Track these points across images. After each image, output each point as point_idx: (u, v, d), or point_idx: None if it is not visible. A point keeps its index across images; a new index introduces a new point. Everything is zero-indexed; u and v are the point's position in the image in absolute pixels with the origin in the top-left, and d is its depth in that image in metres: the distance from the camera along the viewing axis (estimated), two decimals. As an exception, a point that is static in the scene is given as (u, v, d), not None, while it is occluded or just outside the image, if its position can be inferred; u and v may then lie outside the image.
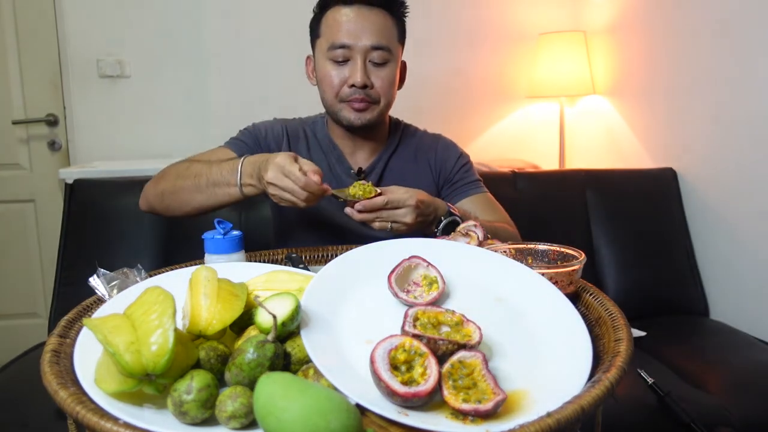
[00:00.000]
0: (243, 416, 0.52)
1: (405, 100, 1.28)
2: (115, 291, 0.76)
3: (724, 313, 1.85)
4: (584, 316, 0.70)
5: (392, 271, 0.71)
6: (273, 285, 0.72)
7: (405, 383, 0.53)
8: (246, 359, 0.55)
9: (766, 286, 1.71)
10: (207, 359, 0.58)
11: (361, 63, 1.14)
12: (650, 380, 1.31)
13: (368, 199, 0.99)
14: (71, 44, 2.27)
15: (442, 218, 1.07)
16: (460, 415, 0.52)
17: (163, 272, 0.84)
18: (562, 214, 1.93)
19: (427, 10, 2.42)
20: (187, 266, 0.86)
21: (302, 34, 1.29)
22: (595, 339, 0.69)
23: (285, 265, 0.90)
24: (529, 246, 0.86)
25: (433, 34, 2.42)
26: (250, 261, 0.93)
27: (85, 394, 0.55)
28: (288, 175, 0.95)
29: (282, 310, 0.59)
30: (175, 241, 1.68)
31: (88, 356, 0.60)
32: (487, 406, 0.52)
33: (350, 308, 0.69)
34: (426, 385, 0.53)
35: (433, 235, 1.05)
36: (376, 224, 1.02)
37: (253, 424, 0.52)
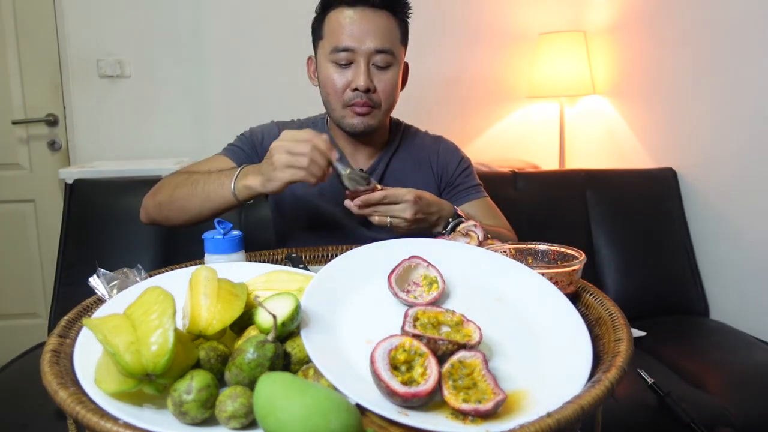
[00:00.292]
0: (243, 416, 0.52)
1: (405, 100, 1.28)
2: (115, 291, 0.76)
3: (724, 313, 1.85)
4: (584, 316, 0.70)
5: (392, 271, 0.71)
6: (273, 285, 0.72)
7: (405, 383, 0.53)
8: (246, 359, 0.55)
9: (766, 286, 1.71)
10: (207, 359, 0.58)
11: (365, 66, 1.13)
12: (650, 380, 1.31)
13: (366, 192, 0.99)
14: (71, 44, 2.27)
15: (450, 220, 1.08)
16: (460, 415, 0.52)
17: (163, 272, 0.84)
18: (562, 214, 1.93)
19: (427, 10, 2.41)
20: (187, 266, 0.86)
21: (303, 34, 1.30)
22: (595, 339, 0.69)
23: (285, 265, 0.90)
24: (529, 246, 0.85)
25: (433, 34, 2.42)
26: (250, 261, 0.93)
27: (85, 394, 0.55)
28: (294, 134, 0.97)
29: (282, 310, 0.59)
30: (175, 241, 1.68)
31: (88, 356, 0.60)
32: (487, 406, 0.52)
33: (350, 308, 0.69)
34: (426, 385, 0.53)
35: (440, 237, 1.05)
36: (375, 218, 1.02)
37: (253, 424, 0.52)
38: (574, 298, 0.77)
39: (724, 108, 1.81)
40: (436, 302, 0.70)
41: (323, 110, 1.26)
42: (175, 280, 0.71)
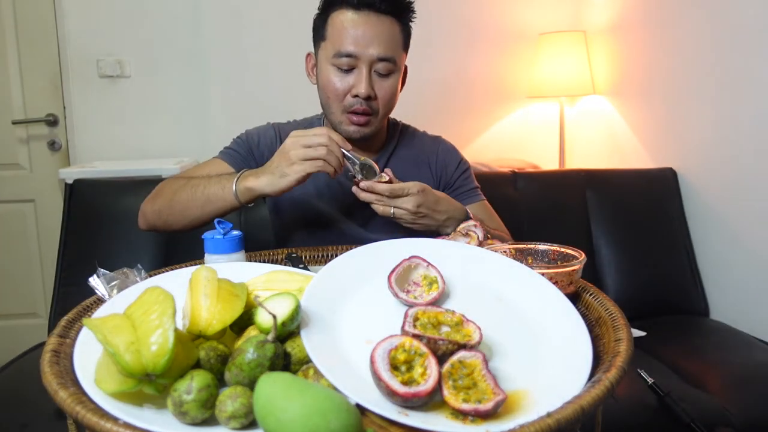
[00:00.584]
0: (243, 416, 0.52)
1: (405, 100, 1.28)
2: (115, 291, 0.76)
3: (724, 313, 1.85)
4: (584, 316, 0.70)
5: (392, 271, 0.71)
6: (273, 285, 0.72)
7: (405, 383, 0.53)
8: (246, 359, 0.55)
9: (766, 286, 1.71)
10: (207, 359, 0.58)
11: (366, 73, 1.12)
12: (650, 380, 1.31)
13: (373, 181, 1.01)
14: (71, 44, 2.27)
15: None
16: (460, 415, 0.52)
17: (163, 272, 0.84)
18: (562, 214, 1.93)
19: (427, 11, 2.39)
20: (187, 266, 0.86)
21: (302, 33, 1.29)
22: (595, 339, 0.69)
23: (285, 265, 0.90)
24: (529, 246, 0.86)
25: (433, 34, 2.42)
26: (250, 261, 0.93)
27: (85, 394, 0.55)
28: (305, 131, 1.00)
29: (282, 310, 0.59)
30: (175, 241, 1.68)
31: (88, 356, 0.60)
32: (487, 406, 0.52)
33: (350, 308, 0.69)
34: (426, 385, 0.53)
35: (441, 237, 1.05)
36: (380, 208, 1.03)
37: (253, 424, 0.52)
38: (574, 298, 0.77)
39: (724, 108, 1.81)
40: (436, 302, 0.70)
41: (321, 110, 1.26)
42: (175, 280, 0.71)
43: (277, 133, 1.27)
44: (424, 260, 0.74)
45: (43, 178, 2.35)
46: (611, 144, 2.38)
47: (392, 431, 0.51)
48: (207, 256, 0.88)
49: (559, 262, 0.82)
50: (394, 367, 0.55)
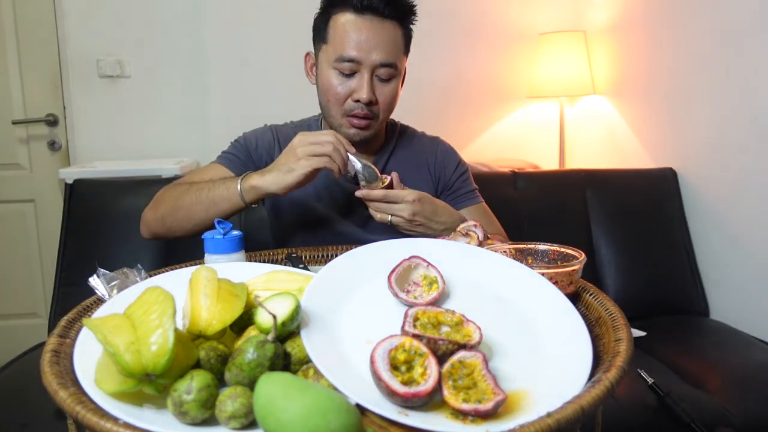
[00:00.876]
0: (243, 416, 0.52)
1: (405, 100, 1.28)
2: (115, 291, 0.76)
3: (724, 313, 1.85)
4: (584, 316, 0.70)
5: (392, 271, 0.71)
6: (273, 285, 0.72)
7: (405, 383, 0.53)
8: (246, 359, 0.55)
9: (766, 286, 1.70)
10: (207, 359, 0.58)
11: (368, 78, 1.12)
12: (650, 380, 1.31)
13: (371, 188, 1.03)
14: (71, 44, 2.27)
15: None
16: (460, 415, 0.52)
17: (163, 272, 0.84)
18: (562, 214, 1.93)
19: (427, 11, 2.39)
20: (187, 266, 0.86)
21: (302, 34, 1.29)
22: (595, 339, 0.69)
23: (285, 265, 0.90)
24: (529, 246, 0.85)
25: (433, 34, 2.41)
26: (250, 261, 0.93)
27: (85, 394, 0.55)
28: (315, 132, 1.02)
29: (282, 310, 0.59)
30: (175, 241, 1.67)
31: (88, 356, 0.60)
32: (487, 406, 0.52)
33: (350, 308, 0.69)
34: (426, 385, 0.53)
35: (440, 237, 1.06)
36: (377, 216, 1.04)
37: (253, 424, 0.52)
38: (574, 298, 0.77)
39: (724, 108, 1.81)
40: (436, 302, 0.70)
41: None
42: (175, 280, 0.71)
43: (275, 136, 1.26)
44: (424, 260, 0.74)
45: (43, 178, 2.35)
46: (611, 144, 2.38)
47: (392, 431, 0.51)
48: (207, 256, 0.88)
49: (559, 262, 0.82)
50: (394, 367, 0.55)
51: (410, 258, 0.74)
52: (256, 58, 2.37)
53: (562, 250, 0.83)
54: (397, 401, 0.53)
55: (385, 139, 1.29)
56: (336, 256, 0.78)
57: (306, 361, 0.59)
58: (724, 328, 1.73)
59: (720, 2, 1.81)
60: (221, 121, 2.36)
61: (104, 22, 2.27)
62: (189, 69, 2.34)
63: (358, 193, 1.04)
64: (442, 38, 2.48)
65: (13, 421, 1.19)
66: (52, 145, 2.35)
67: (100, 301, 0.76)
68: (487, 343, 0.64)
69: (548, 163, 2.57)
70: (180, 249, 1.64)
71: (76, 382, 0.57)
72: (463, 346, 0.58)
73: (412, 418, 0.51)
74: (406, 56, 1.20)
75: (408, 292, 0.71)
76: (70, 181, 1.78)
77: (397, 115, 1.32)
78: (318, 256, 1.05)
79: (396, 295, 0.70)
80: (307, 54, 1.24)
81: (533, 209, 1.90)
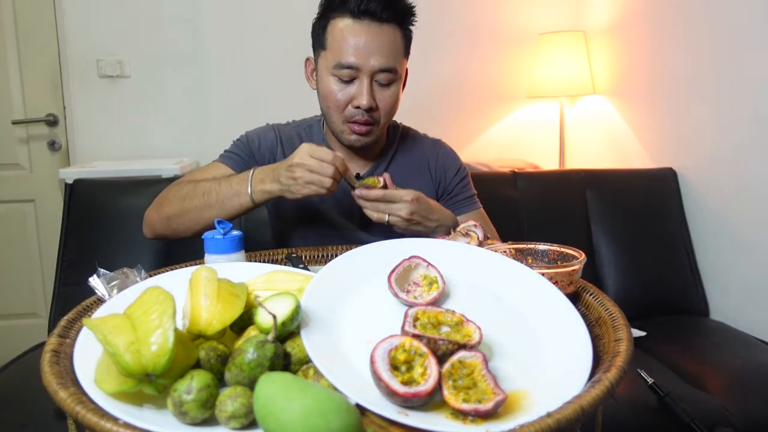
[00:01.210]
0: (243, 416, 0.52)
1: (405, 100, 1.27)
2: (115, 291, 0.76)
3: (724, 313, 1.85)
4: (584, 316, 0.70)
5: (392, 271, 0.71)
6: (273, 285, 0.72)
7: (405, 383, 0.53)
8: (246, 359, 0.55)
9: (766, 286, 1.71)
10: (207, 359, 0.58)
11: (368, 84, 1.11)
12: (650, 380, 1.31)
13: (368, 188, 1.03)
14: (71, 44, 2.27)
15: (452, 231, 1.08)
16: (460, 415, 0.52)
17: (163, 272, 0.84)
18: (562, 214, 1.93)
19: (427, 11, 2.40)
20: (187, 266, 0.86)
21: (302, 34, 1.29)
22: (595, 339, 0.69)
23: (285, 265, 0.90)
24: (529, 246, 0.85)
25: (433, 34, 2.42)
26: (250, 261, 0.93)
27: (85, 394, 0.55)
28: (315, 153, 0.99)
29: (282, 310, 0.59)
30: (175, 241, 1.67)
31: (88, 356, 0.60)
32: (487, 406, 0.52)
33: (350, 308, 0.69)
34: (426, 385, 0.53)
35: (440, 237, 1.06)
36: (374, 215, 1.04)
37: (253, 424, 0.52)
38: (574, 298, 0.77)
39: (724, 108, 1.81)
40: (436, 302, 0.70)
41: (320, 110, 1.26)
42: (175, 280, 0.71)
43: (278, 135, 1.26)
44: (424, 260, 0.74)
45: (43, 178, 2.35)
46: (611, 144, 2.38)
47: (392, 431, 0.51)
48: (207, 256, 0.88)
49: (559, 262, 0.82)
50: (394, 367, 0.55)
51: (410, 258, 0.74)
52: (256, 58, 2.37)
53: (562, 250, 0.83)
54: (397, 401, 0.53)
55: (387, 143, 1.29)
56: (336, 256, 0.78)
57: (306, 361, 0.59)
58: (724, 328, 1.73)
59: (720, 2, 1.81)
60: (221, 121, 2.36)
61: (104, 22, 2.27)
62: (189, 69, 2.34)
63: (355, 194, 1.04)
64: (442, 38, 2.48)
65: (13, 421, 1.19)
66: (52, 145, 2.35)
67: (100, 301, 0.76)
68: (487, 343, 0.64)
69: (548, 163, 2.57)
70: (180, 249, 1.64)
71: (76, 382, 0.57)
72: (463, 346, 0.58)
73: (412, 418, 0.51)
74: (407, 59, 1.20)
75: (408, 292, 0.71)
76: (70, 181, 1.78)
77: (397, 116, 1.32)
78: (318, 256, 1.05)
79: (396, 295, 0.70)
80: (307, 59, 1.23)
81: (533, 209, 1.90)
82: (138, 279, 0.79)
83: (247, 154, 1.23)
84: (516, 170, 2.03)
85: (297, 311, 0.60)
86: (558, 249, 0.84)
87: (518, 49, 2.55)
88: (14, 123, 2.31)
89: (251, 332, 0.63)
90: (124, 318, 0.57)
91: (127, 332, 0.54)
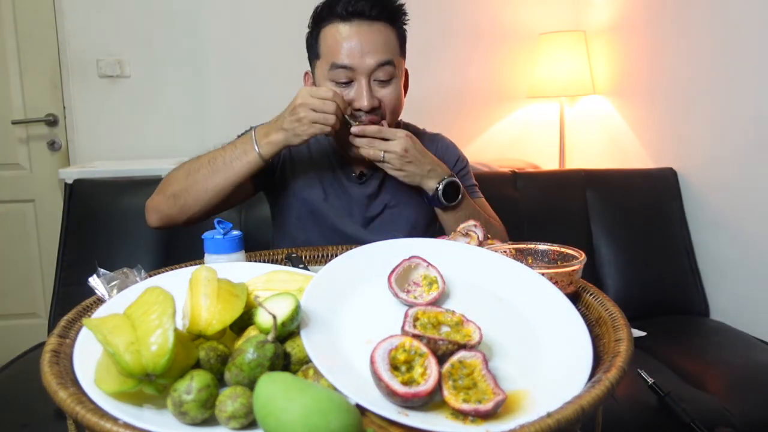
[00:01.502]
0: (243, 416, 0.52)
1: (406, 100, 1.27)
2: (115, 291, 0.76)
3: (724, 313, 1.85)
4: (584, 316, 0.70)
5: (392, 271, 0.71)
6: (273, 285, 0.72)
7: (405, 383, 0.53)
8: (246, 359, 0.55)
9: (766, 286, 1.71)
10: (207, 359, 0.58)
11: (366, 84, 1.10)
12: (650, 380, 1.31)
13: (365, 125, 1.09)
14: (71, 44, 2.27)
15: (445, 177, 1.12)
16: (460, 415, 0.52)
17: (163, 272, 0.84)
18: (562, 214, 1.93)
19: (427, 11, 2.42)
20: (187, 266, 0.86)
21: (302, 33, 1.29)
22: (595, 339, 0.69)
23: (285, 265, 0.90)
24: (529, 246, 0.85)
25: (433, 34, 2.42)
26: (250, 261, 0.93)
27: (84, 394, 0.55)
28: (316, 93, 1.03)
29: (282, 310, 0.59)
30: (175, 241, 1.68)
31: (88, 356, 0.60)
32: (487, 406, 0.52)
33: (350, 308, 0.68)
34: (426, 385, 0.53)
35: (434, 195, 1.12)
36: (370, 152, 1.08)
37: (253, 424, 0.52)
38: (574, 298, 0.77)
39: (724, 108, 1.81)
40: (436, 302, 0.70)
41: None
42: (175, 280, 0.71)
43: None
44: (424, 260, 0.74)
45: (43, 178, 2.35)
46: (611, 144, 2.38)
47: (392, 431, 0.51)
48: (207, 256, 0.88)
49: (559, 262, 0.82)
50: (394, 367, 0.55)
51: (410, 258, 0.74)
52: (256, 58, 2.37)
53: (562, 250, 0.83)
54: (397, 401, 0.53)
55: None
56: (336, 256, 0.78)
57: (306, 361, 0.59)
58: (724, 328, 1.73)
59: (720, 2, 1.81)
60: (221, 121, 2.36)
61: (104, 22, 2.27)
62: (189, 69, 2.34)
63: (353, 130, 1.07)
64: (443, 39, 2.48)
65: (13, 421, 1.19)
66: (52, 145, 2.35)
67: (100, 301, 0.76)
68: (487, 343, 0.64)
69: (548, 163, 2.57)
70: (180, 249, 1.64)
71: (75, 382, 0.57)
72: (463, 346, 0.58)
73: (412, 418, 0.51)
74: (404, 58, 1.19)
75: (408, 292, 0.71)
76: (69, 181, 1.78)
77: (397, 115, 1.32)
78: (318, 256, 1.05)
79: (396, 295, 0.70)
80: (306, 74, 1.23)
81: (533, 209, 1.90)
82: (138, 279, 0.79)
83: None
84: (516, 170, 2.03)
85: (297, 311, 0.60)
86: (558, 249, 0.84)
87: (518, 49, 2.55)
88: (14, 123, 2.31)
89: (251, 332, 0.63)
90: (124, 318, 0.57)
91: (127, 332, 0.54)
